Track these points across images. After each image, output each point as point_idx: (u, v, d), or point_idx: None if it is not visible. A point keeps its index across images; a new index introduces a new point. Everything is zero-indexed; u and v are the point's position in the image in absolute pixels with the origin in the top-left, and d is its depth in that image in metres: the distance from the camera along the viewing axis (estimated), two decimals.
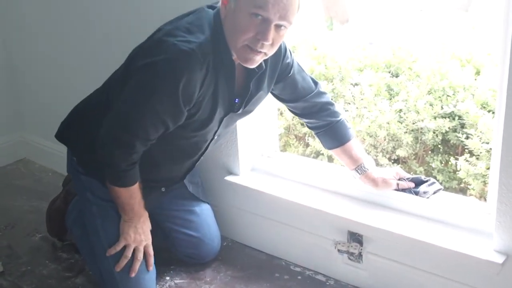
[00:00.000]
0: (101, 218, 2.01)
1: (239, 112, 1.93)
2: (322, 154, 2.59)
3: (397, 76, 2.53)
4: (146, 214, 2.01)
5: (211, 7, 1.81)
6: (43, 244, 2.52)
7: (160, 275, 2.18)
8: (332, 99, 2.13)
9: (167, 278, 2.22)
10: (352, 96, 2.49)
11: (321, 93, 2.07)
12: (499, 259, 1.70)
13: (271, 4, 1.61)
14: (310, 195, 2.15)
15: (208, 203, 2.33)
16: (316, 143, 2.58)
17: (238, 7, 1.66)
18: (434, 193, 1.96)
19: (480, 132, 2.14)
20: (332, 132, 2.06)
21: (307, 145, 2.69)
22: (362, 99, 2.47)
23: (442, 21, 3.43)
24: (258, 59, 1.73)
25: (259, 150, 2.37)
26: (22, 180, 3.18)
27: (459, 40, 2.80)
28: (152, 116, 1.73)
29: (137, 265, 1.98)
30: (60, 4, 2.84)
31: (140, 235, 1.98)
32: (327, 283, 2.15)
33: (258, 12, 1.62)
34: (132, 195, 1.92)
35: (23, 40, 3.17)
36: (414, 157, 2.42)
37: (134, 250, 1.99)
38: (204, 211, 2.27)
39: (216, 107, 1.83)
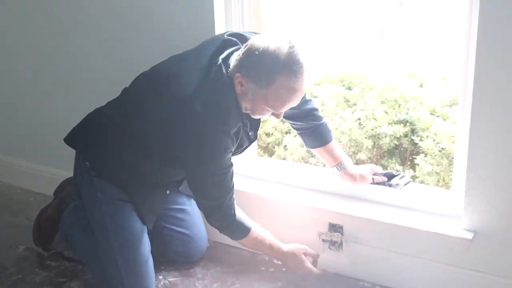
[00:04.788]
0: (110, 216, 2.13)
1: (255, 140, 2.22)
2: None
3: (350, 89, 2.83)
4: (290, 252, 2.22)
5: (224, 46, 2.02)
6: (28, 254, 2.56)
7: None
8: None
9: (160, 277, 2.35)
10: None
11: (308, 101, 2.28)
12: (469, 235, 2.00)
13: (286, 107, 1.96)
14: (292, 193, 2.40)
15: None
16: (280, 151, 2.81)
17: (256, 101, 1.94)
18: (405, 184, 2.25)
19: (434, 134, 2.45)
20: (316, 134, 2.29)
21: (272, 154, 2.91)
22: (323, 110, 2.73)
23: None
24: None
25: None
26: None
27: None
28: (226, 178, 2.03)
29: None
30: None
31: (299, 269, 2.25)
32: None
33: (276, 111, 1.97)
34: (258, 244, 2.20)
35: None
36: (370, 161, 2.70)
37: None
38: (196, 211, 2.40)
39: (243, 144, 2.10)
